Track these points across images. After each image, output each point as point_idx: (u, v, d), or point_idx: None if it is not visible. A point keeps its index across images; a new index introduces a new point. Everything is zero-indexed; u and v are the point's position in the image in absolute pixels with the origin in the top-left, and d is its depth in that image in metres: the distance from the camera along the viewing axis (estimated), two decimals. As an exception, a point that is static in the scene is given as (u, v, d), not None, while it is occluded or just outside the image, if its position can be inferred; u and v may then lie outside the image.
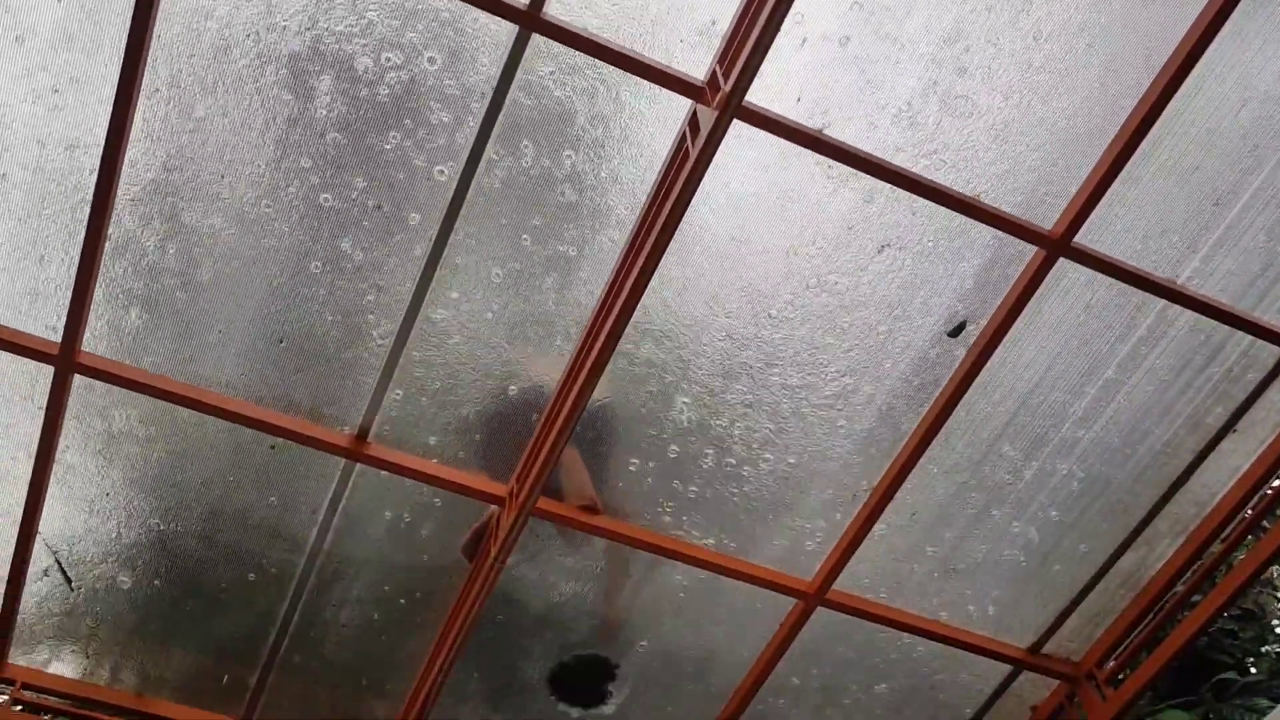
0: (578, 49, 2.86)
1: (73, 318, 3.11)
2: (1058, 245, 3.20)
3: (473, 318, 3.35)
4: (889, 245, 3.31)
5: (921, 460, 3.58)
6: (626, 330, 3.02)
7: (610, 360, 3.09)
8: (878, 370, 3.52)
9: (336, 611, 3.89)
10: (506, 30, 2.86)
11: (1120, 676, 4.13)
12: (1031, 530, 3.92)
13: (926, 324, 3.45)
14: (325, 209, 3.13)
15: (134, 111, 2.83)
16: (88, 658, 3.88)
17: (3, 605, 3.64)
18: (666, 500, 3.74)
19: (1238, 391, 3.67)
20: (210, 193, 3.08)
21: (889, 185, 3.12)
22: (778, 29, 2.53)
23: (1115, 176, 3.10)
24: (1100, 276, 3.34)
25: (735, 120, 2.74)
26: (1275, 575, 6.88)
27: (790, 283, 3.36)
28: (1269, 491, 3.88)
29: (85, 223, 2.96)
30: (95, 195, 2.92)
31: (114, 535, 3.66)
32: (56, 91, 2.90)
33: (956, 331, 3.46)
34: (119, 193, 2.98)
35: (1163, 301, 3.44)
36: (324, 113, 2.99)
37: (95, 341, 3.24)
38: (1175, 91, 2.98)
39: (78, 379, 3.26)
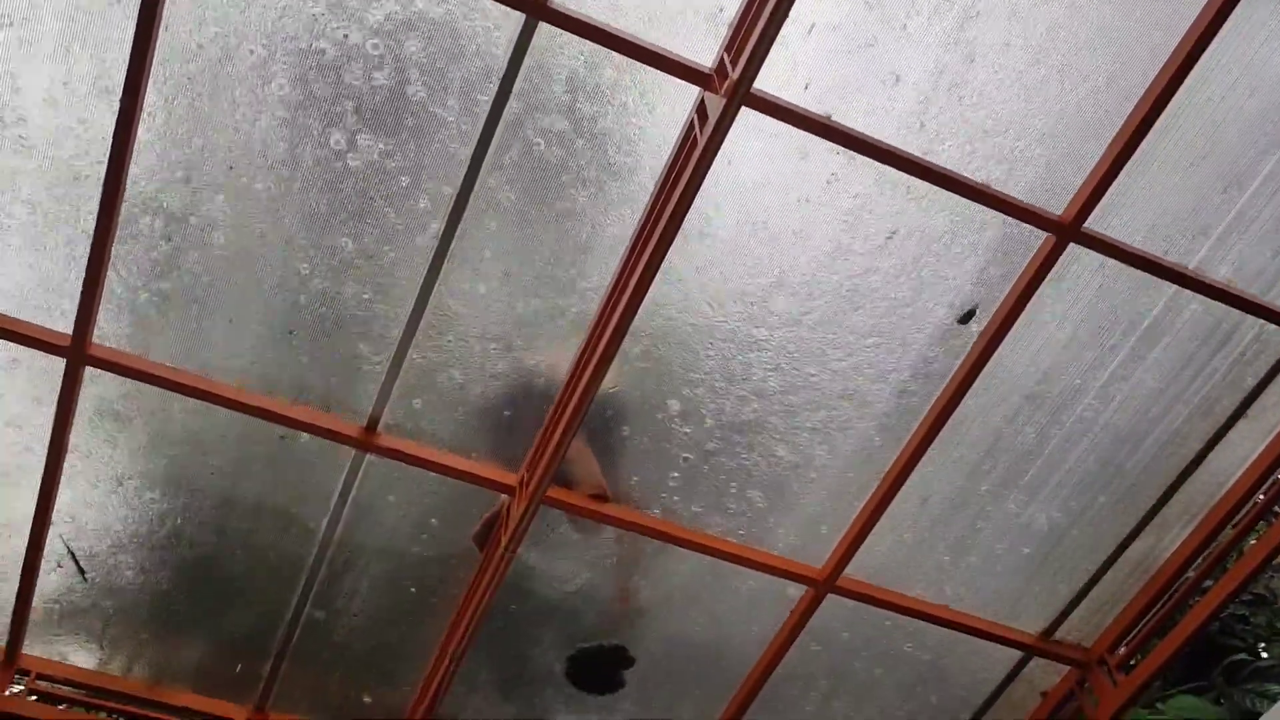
0: (585, 37, 2.85)
1: (83, 310, 3.12)
2: (1068, 231, 3.19)
3: (482, 308, 3.35)
4: (897, 232, 3.30)
5: (931, 447, 3.57)
6: (636, 318, 3.02)
7: (619, 349, 3.09)
8: (887, 357, 3.51)
9: (348, 601, 3.90)
10: (514, 19, 2.86)
11: (1131, 662, 4.12)
12: (1042, 517, 3.91)
13: (936, 310, 3.44)
14: (334, 200, 3.13)
15: (142, 102, 2.83)
16: (102, 648, 3.91)
17: (17, 596, 3.66)
18: (676, 488, 3.74)
19: (1249, 377, 3.65)
20: (219, 184, 3.08)
21: (897, 172, 3.11)
22: (785, 15, 2.52)
23: (1125, 162, 3.09)
24: (1111, 262, 3.32)
25: (743, 108, 2.73)
26: (1287, 560, 6.85)
27: (798, 271, 3.35)
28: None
29: (94, 215, 2.97)
30: (104, 188, 2.92)
31: (127, 527, 3.67)
32: (66, 85, 2.91)
33: (966, 318, 3.45)
34: (128, 185, 2.98)
35: (1173, 287, 3.43)
36: (332, 105, 2.99)
37: (106, 334, 3.25)
38: (1185, 77, 2.97)
39: (89, 371, 3.27)
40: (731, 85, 2.67)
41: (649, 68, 2.90)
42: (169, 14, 2.78)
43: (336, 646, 3.99)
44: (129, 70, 2.76)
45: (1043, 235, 3.24)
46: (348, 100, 2.99)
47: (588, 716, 4.29)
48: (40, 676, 3.83)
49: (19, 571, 3.61)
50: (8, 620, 3.72)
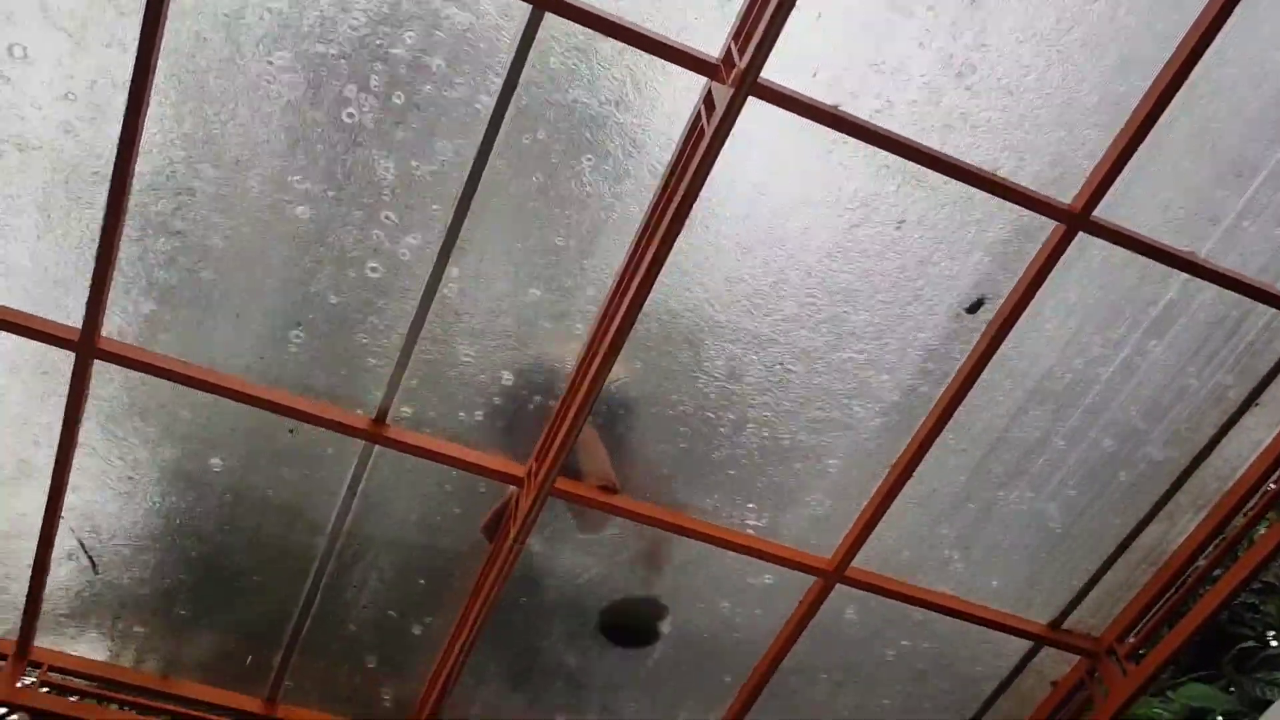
0: (591, 28, 2.84)
1: (92, 304, 3.13)
2: (1077, 219, 3.18)
3: (489, 299, 3.35)
4: (906, 221, 3.29)
5: (941, 436, 3.57)
6: (644, 308, 3.02)
7: (627, 339, 3.09)
8: (896, 347, 3.51)
9: (357, 593, 3.91)
10: (520, 10, 2.85)
11: (1141, 652, 4.11)
12: (1051, 506, 3.90)
13: (945, 300, 3.43)
14: (341, 192, 3.12)
15: (148, 96, 2.83)
16: (113, 640, 3.92)
17: (29, 589, 3.67)
18: (685, 478, 3.74)
19: (1260, 365, 3.64)
20: (225, 178, 3.08)
21: (906, 161, 3.09)
22: (793, 3, 2.51)
23: (1135, 150, 3.07)
24: (1120, 250, 3.31)
25: (751, 97, 2.72)
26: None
27: (807, 260, 3.34)
28: (1291, 465, 3.86)
29: (103, 210, 2.97)
30: (112, 182, 2.92)
31: (137, 519, 3.68)
32: (72, 78, 2.90)
33: (975, 307, 3.44)
34: (135, 180, 2.98)
35: (1183, 276, 3.41)
36: (339, 96, 2.99)
37: (114, 327, 3.25)
38: (1195, 65, 2.95)
39: (98, 364, 3.28)
40: (739, 75, 2.66)
41: (656, 58, 2.89)
42: (173, 7, 2.77)
43: (346, 638, 4.00)
44: (136, 64, 2.76)
45: (1052, 224, 3.22)
46: (353, 92, 2.99)
47: (593, 709, 4.30)
48: (52, 669, 3.85)
49: (30, 565, 3.62)
50: (19, 613, 3.73)
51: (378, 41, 2.92)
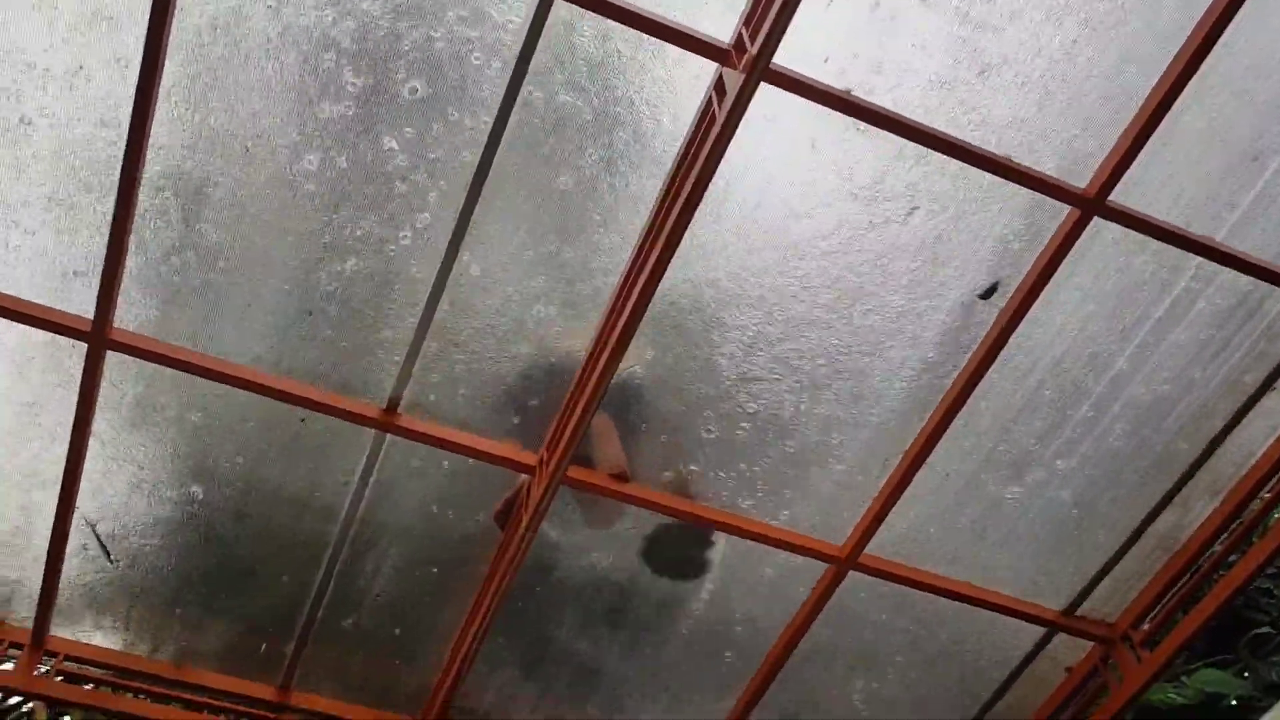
0: (600, 13, 2.82)
1: (104, 294, 3.13)
2: (1092, 204, 3.15)
3: (500, 286, 3.34)
4: (919, 208, 3.27)
5: (954, 423, 3.55)
6: (655, 295, 3.00)
7: (639, 326, 3.08)
8: (909, 333, 3.49)
9: (370, 581, 3.92)
10: (528, -3, 2.84)
11: (1156, 638, 4.10)
12: (1065, 492, 3.89)
13: (958, 285, 3.41)
14: (350, 179, 3.12)
15: (158, 85, 2.82)
16: (127, 630, 3.94)
17: (44, 580, 3.69)
18: (698, 466, 3.73)
19: (1276, 350, 3.61)
20: (235, 166, 3.07)
21: (919, 146, 3.07)
22: (804, -11, 2.49)
23: (1150, 134, 3.04)
24: (1135, 235, 3.28)
25: (762, 83, 2.70)
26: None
27: (819, 247, 3.32)
28: (1308, 450, 3.83)
29: (113, 200, 2.96)
30: (122, 171, 2.92)
31: (150, 509, 3.69)
32: (82, 68, 2.90)
33: (988, 293, 3.42)
34: (145, 168, 2.97)
35: (1199, 259, 3.38)
36: (349, 85, 2.98)
37: (126, 317, 3.25)
38: (1211, 47, 2.91)
39: (110, 355, 3.28)
40: (750, 60, 2.64)
41: (666, 43, 2.87)
42: (183, -4, 2.77)
43: (359, 627, 4.01)
44: (145, 53, 2.75)
45: (1066, 209, 3.20)
46: (362, 78, 2.97)
47: (605, 696, 4.31)
48: (68, 658, 3.86)
49: (45, 555, 3.64)
50: (35, 603, 3.75)
51: (387, 30, 2.91)
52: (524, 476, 3.64)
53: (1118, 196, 3.16)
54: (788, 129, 3.10)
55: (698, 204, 2.82)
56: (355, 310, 3.33)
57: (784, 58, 2.75)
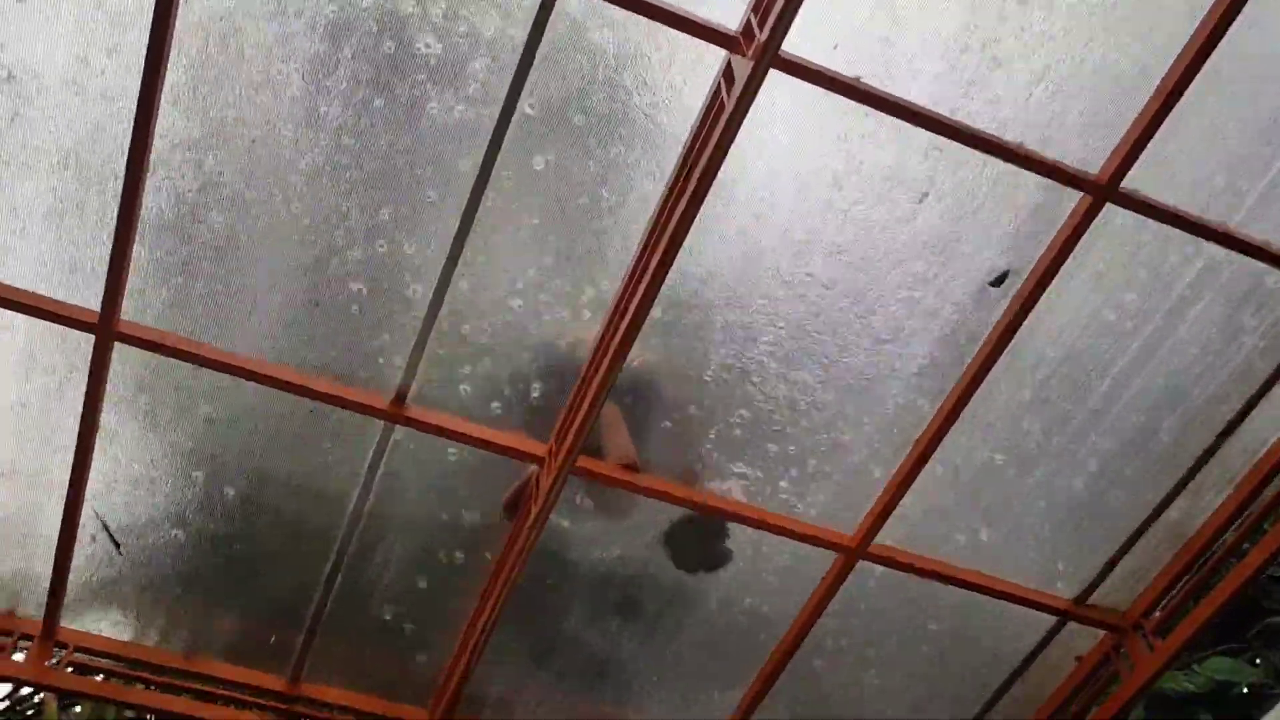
0: (608, 1, 2.81)
1: (111, 287, 3.12)
2: (1104, 190, 3.13)
3: (508, 277, 3.33)
4: (930, 195, 3.25)
5: (964, 412, 3.53)
6: (664, 285, 2.99)
7: (647, 316, 3.06)
8: (919, 322, 3.47)
9: (379, 572, 3.92)
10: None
11: (1167, 627, 4.09)
12: (1077, 481, 3.87)
13: (969, 274, 3.39)
14: (359, 171, 3.10)
15: (163, 78, 2.81)
16: (137, 621, 3.94)
17: (54, 571, 3.69)
18: (707, 456, 3.72)
19: (1289, 338, 3.59)
20: (242, 159, 3.06)
21: (929, 133, 3.05)
22: (813, -26, 2.47)
23: (1163, 120, 3.02)
24: (1148, 222, 3.26)
25: (771, 70, 2.68)
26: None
27: (830, 234, 3.30)
28: (1320, 439, 3.81)
29: (120, 192, 2.96)
30: (128, 164, 2.91)
31: (159, 501, 3.69)
32: (85, 62, 2.89)
33: (999, 281, 3.40)
34: (152, 161, 2.96)
35: (1212, 246, 3.36)
36: (355, 73, 2.96)
37: (133, 310, 3.25)
38: (1224, 33, 2.88)
39: (118, 347, 3.27)
40: (759, 47, 2.62)
41: (674, 30, 2.85)
42: (188, -15, 2.76)
43: (369, 617, 4.01)
44: (149, 46, 2.74)
45: (1078, 196, 3.18)
46: (371, 70, 2.96)
47: (615, 686, 4.31)
48: (78, 649, 3.87)
49: (55, 546, 3.64)
50: (46, 595, 3.75)
51: (395, 18, 2.89)
52: (533, 467, 3.63)
53: (1133, 179, 3.13)
54: (796, 116, 3.08)
55: (708, 191, 2.80)
56: (363, 301, 3.32)
57: (791, 46, 2.73)
